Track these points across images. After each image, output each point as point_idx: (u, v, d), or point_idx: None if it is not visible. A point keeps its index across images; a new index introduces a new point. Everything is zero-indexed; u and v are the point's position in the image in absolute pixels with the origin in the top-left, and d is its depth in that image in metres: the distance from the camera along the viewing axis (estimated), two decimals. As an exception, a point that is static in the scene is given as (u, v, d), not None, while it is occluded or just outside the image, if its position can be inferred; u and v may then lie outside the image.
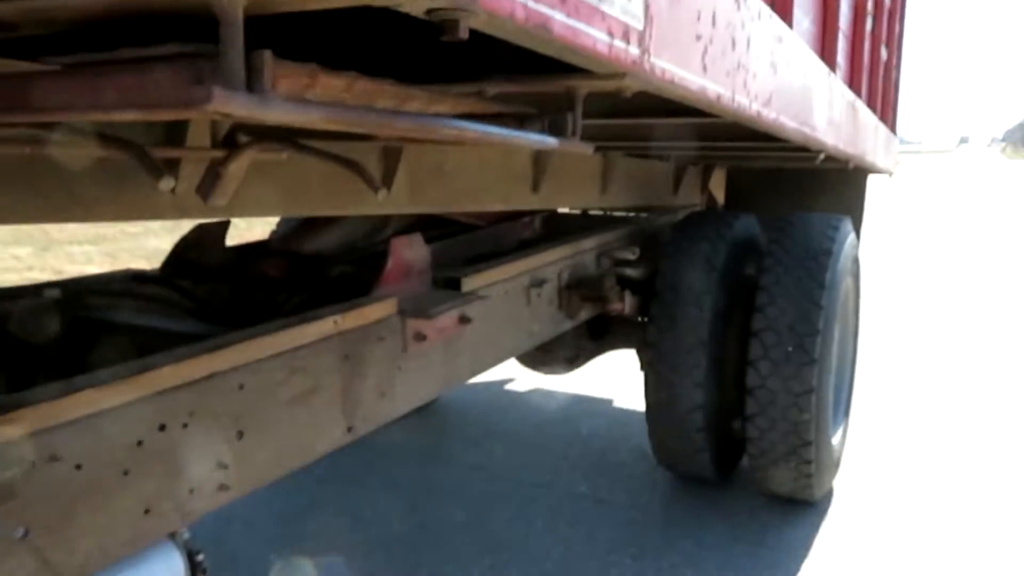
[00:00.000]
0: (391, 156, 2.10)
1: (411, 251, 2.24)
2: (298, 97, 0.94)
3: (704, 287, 3.17)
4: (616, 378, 4.97)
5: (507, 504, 3.39)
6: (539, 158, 2.87)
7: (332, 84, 1.04)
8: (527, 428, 4.30)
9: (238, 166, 1.39)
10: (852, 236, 3.53)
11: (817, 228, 3.31)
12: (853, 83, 3.84)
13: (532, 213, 3.52)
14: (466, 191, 2.52)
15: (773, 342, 3.02)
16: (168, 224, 12.66)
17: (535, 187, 2.92)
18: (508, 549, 3.01)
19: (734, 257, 3.35)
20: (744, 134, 2.44)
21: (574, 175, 3.28)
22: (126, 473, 1.35)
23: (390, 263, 2.14)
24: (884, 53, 4.24)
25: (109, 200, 1.47)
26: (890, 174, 5.07)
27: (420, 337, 2.06)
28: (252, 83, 0.76)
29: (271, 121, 0.81)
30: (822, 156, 3.11)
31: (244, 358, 1.59)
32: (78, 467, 1.27)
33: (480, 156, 2.55)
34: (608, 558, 2.96)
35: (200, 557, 1.72)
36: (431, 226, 3.39)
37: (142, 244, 10.92)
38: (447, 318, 2.11)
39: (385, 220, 2.92)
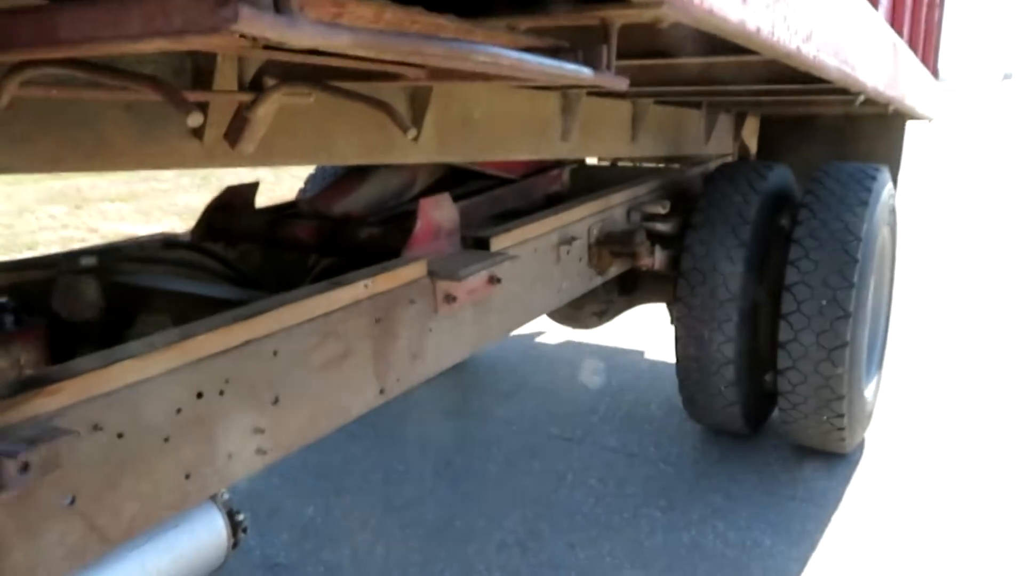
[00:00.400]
0: (418, 104, 2.08)
1: (440, 212, 2.23)
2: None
3: (736, 241, 3.13)
4: (646, 330, 4.97)
5: (538, 458, 3.43)
6: (568, 106, 2.83)
7: (361, 13, 1.02)
8: (558, 382, 4.33)
9: (266, 110, 1.39)
10: (889, 185, 3.45)
11: (853, 178, 3.24)
12: (895, 22, 3.70)
13: (560, 165, 3.48)
14: (494, 140, 2.50)
15: (806, 296, 2.99)
16: (198, 180, 12.77)
17: (564, 136, 2.89)
18: (539, 503, 3.06)
19: (767, 209, 3.29)
20: (782, 75, 2.37)
21: (603, 124, 3.24)
22: (166, 440, 1.38)
23: (419, 225, 2.13)
24: (925, -5, 4.06)
25: (137, 149, 1.47)
26: (930, 120, 4.92)
27: (450, 299, 2.06)
28: (279, 6, 0.75)
29: (299, 44, 0.79)
30: (861, 99, 2.99)
31: (278, 324, 1.60)
32: (120, 436, 1.29)
33: (508, 105, 2.52)
34: (638, 511, 2.99)
35: (240, 516, 1.78)
36: (459, 181, 3.38)
37: (173, 201, 11.03)
38: (477, 279, 2.11)
39: (413, 178, 2.91)
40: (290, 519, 2.92)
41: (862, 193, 3.13)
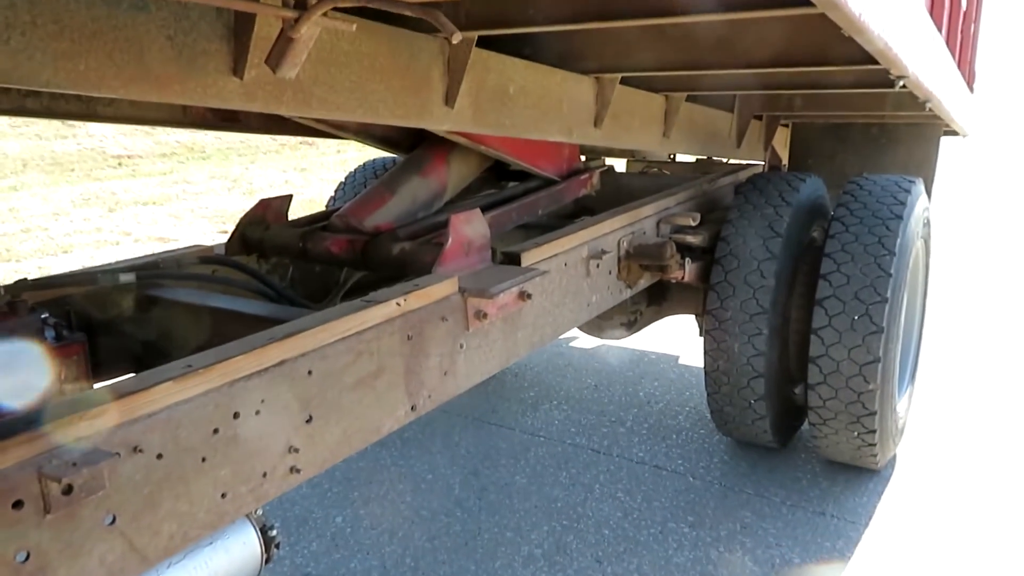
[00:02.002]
0: (455, 72, 2.10)
1: (471, 227, 2.25)
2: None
3: (767, 254, 3.11)
4: (674, 339, 4.95)
5: (565, 469, 3.43)
6: (601, 92, 2.86)
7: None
8: (585, 391, 4.32)
9: (308, 31, 1.40)
10: (923, 198, 3.40)
11: (887, 191, 3.20)
12: (933, 17, 3.63)
13: (589, 169, 3.47)
14: (528, 118, 2.51)
15: (838, 310, 2.95)
16: (228, 183, 12.92)
17: (597, 122, 2.91)
18: (566, 515, 3.05)
19: (799, 222, 3.26)
20: (817, 44, 2.37)
21: (636, 115, 3.26)
22: (204, 460, 1.40)
23: (450, 241, 2.15)
24: (964, 2, 4.00)
25: (180, 79, 1.48)
26: (965, 135, 4.84)
27: (481, 315, 2.07)
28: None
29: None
30: (901, 84, 2.91)
31: (312, 344, 1.62)
32: (159, 456, 1.32)
33: (543, 84, 2.56)
34: (666, 526, 2.98)
35: (273, 532, 1.80)
36: (487, 182, 3.39)
37: (204, 204, 11.19)
38: (508, 295, 2.12)
39: (442, 187, 2.92)
40: (319, 528, 2.95)
41: (896, 207, 3.10)
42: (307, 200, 11.56)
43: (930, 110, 3.70)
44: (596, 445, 3.66)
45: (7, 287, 1.79)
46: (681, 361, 4.72)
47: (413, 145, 3.07)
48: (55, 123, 15.81)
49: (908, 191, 3.20)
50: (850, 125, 4.49)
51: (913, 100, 3.57)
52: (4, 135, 14.91)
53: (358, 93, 1.84)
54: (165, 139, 16.99)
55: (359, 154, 18.11)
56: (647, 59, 2.67)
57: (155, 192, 11.98)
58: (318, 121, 2.56)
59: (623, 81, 2.96)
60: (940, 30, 3.73)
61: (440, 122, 2.14)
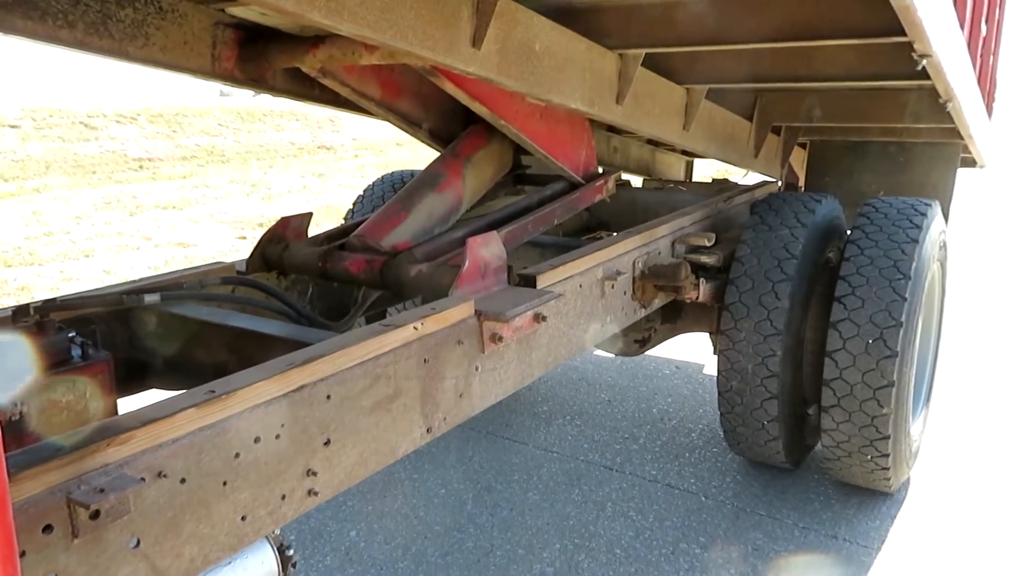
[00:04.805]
0: (483, 15, 2.12)
1: (487, 250, 2.28)
2: None
3: (781, 275, 3.12)
4: (687, 355, 4.96)
5: (577, 486, 3.45)
6: (624, 69, 2.91)
7: None
8: (598, 406, 4.34)
9: None
10: (940, 220, 3.40)
11: (903, 214, 3.20)
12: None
13: (606, 175, 3.46)
14: (551, 79, 2.55)
15: (852, 333, 2.96)
16: (247, 188, 13.03)
17: (619, 99, 2.97)
18: (578, 534, 3.07)
19: (814, 243, 3.27)
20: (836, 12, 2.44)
21: (658, 102, 3.33)
22: (225, 484, 1.43)
23: (467, 264, 2.18)
24: (984, 28, 3.99)
25: None
26: (983, 166, 4.81)
27: (497, 338, 2.10)
28: None
29: None
30: (923, 64, 2.87)
31: (331, 369, 1.65)
32: (183, 481, 1.36)
33: (568, 49, 2.61)
34: (678, 547, 2.99)
35: (290, 551, 1.83)
36: (503, 185, 3.40)
37: (224, 208, 11.30)
38: (523, 318, 2.14)
39: (458, 200, 2.95)
40: (334, 542, 2.98)
41: (912, 230, 3.10)
42: (325, 206, 11.66)
43: (951, 107, 3.63)
44: (609, 462, 3.67)
45: (37, 308, 1.83)
46: (695, 377, 4.73)
47: (433, 128, 3.11)
48: (78, 126, 16.02)
49: (924, 214, 3.20)
50: (868, 143, 4.49)
51: (932, 107, 3.57)
52: (28, 137, 15.12)
53: (389, 15, 1.85)
54: (185, 142, 17.18)
55: (377, 159, 18.23)
56: (670, 36, 2.74)
57: (175, 196, 12.11)
58: (343, 85, 2.58)
59: (646, 64, 3.03)
60: (962, 28, 3.70)
61: (466, 62, 2.14)
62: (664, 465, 3.65)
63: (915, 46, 2.63)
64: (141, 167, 15.46)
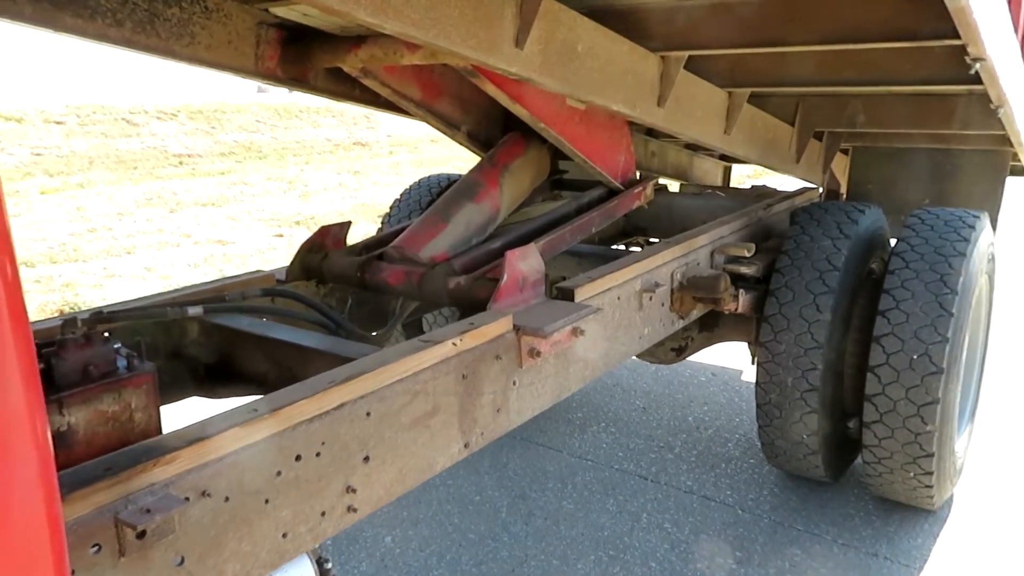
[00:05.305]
0: (526, 16, 2.11)
1: (525, 263, 2.27)
2: None
3: (823, 287, 3.06)
4: (724, 363, 4.90)
5: (612, 496, 3.43)
6: (666, 71, 2.89)
7: None
8: (633, 413, 4.31)
9: None
10: (988, 232, 3.31)
11: (950, 226, 3.12)
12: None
13: (644, 181, 3.42)
14: (594, 81, 2.53)
15: (896, 348, 2.90)
16: (283, 184, 13.18)
17: (660, 101, 2.94)
18: (613, 545, 3.05)
19: (857, 255, 3.21)
20: (889, 16, 2.40)
21: (699, 105, 3.29)
22: (267, 502, 1.45)
23: (505, 279, 2.17)
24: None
25: None
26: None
27: (535, 353, 2.09)
28: None
29: None
30: (976, 68, 2.80)
31: (371, 386, 1.66)
32: (226, 500, 1.37)
33: (610, 50, 2.59)
34: (714, 561, 2.96)
35: (329, 564, 1.84)
36: (541, 190, 3.38)
37: (261, 206, 11.43)
38: (561, 332, 2.13)
39: (495, 211, 2.94)
40: (370, 548, 3.00)
41: (959, 243, 3.02)
42: (360, 204, 11.75)
43: (1000, 111, 3.52)
44: (644, 471, 3.65)
45: (85, 320, 1.87)
46: (732, 384, 4.68)
47: (471, 131, 3.11)
48: (120, 123, 16.34)
49: (972, 226, 3.13)
50: (913, 150, 4.39)
51: (983, 114, 3.46)
52: (72, 133, 15.47)
53: (433, 13, 1.85)
54: (224, 138, 17.44)
55: (411, 155, 18.32)
56: (713, 38, 2.71)
57: (214, 193, 12.29)
58: (383, 85, 2.60)
59: (688, 67, 3.00)
60: (1016, 31, 3.60)
61: (509, 62, 2.14)
62: (700, 476, 3.61)
63: (968, 49, 2.56)
64: (181, 163, 15.73)
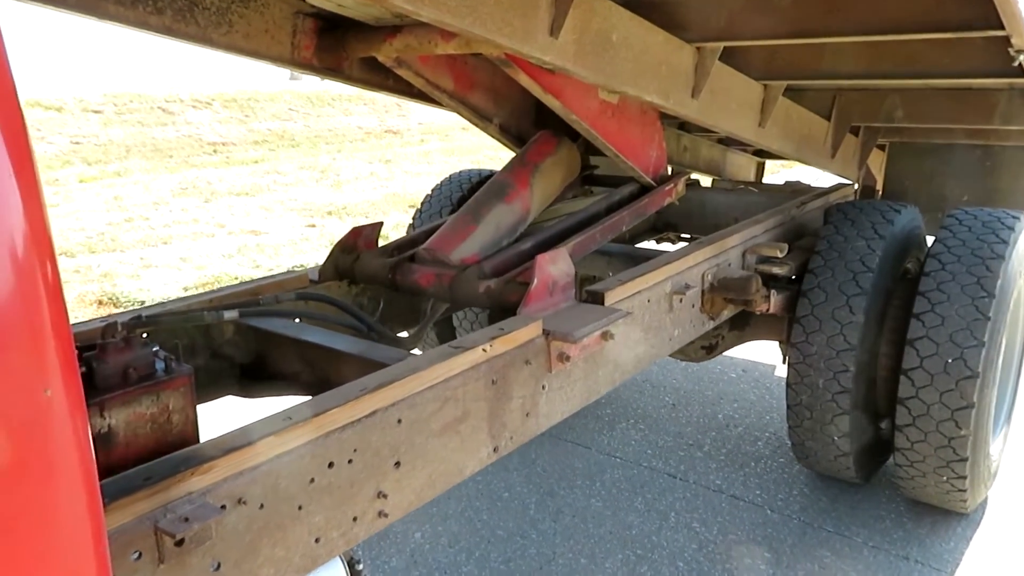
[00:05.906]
0: (561, 3, 2.11)
1: (556, 267, 2.27)
2: None
3: (856, 289, 3.03)
4: (755, 358, 4.87)
5: (640, 494, 3.43)
6: (701, 63, 2.86)
7: None
8: (662, 410, 4.30)
9: None
10: (1028, 231, 3.24)
11: (988, 227, 3.07)
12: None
13: (676, 177, 3.38)
14: (628, 71, 2.52)
15: (931, 351, 2.86)
16: (316, 174, 13.29)
17: (694, 93, 2.92)
18: (641, 544, 3.06)
19: (892, 256, 3.17)
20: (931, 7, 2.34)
21: (733, 98, 3.26)
22: (300, 508, 1.48)
23: (536, 283, 2.18)
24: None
25: None
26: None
27: (564, 357, 2.10)
28: None
29: None
30: (1020, 59, 2.75)
31: (402, 393, 1.69)
32: (261, 507, 1.41)
33: (645, 41, 2.57)
34: (742, 561, 2.96)
35: (360, 566, 1.88)
36: (572, 186, 3.37)
37: (294, 196, 11.55)
38: (590, 336, 2.14)
39: (526, 211, 2.94)
40: (399, 544, 3.05)
41: (997, 245, 2.97)
42: (392, 194, 11.81)
43: None
44: (672, 470, 3.65)
45: (124, 324, 1.91)
46: (762, 382, 4.65)
47: (503, 124, 3.11)
48: (156, 111, 16.58)
49: (1012, 228, 3.06)
50: (952, 146, 4.31)
51: (1025, 108, 3.40)
52: (110, 122, 15.71)
53: (469, 1, 1.85)
54: (257, 127, 17.61)
55: (442, 143, 18.36)
56: (750, 29, 2.68)
57: (247, 182, 12.43)
58: (417, 76, 2.61)
59: (723, 59, 2.97)
60: None
61: (543, 51, 2.13)
62: (729, 475, 3.60)
63: (1012, 40, 2.51)
64: (215, 151, 15.92)
